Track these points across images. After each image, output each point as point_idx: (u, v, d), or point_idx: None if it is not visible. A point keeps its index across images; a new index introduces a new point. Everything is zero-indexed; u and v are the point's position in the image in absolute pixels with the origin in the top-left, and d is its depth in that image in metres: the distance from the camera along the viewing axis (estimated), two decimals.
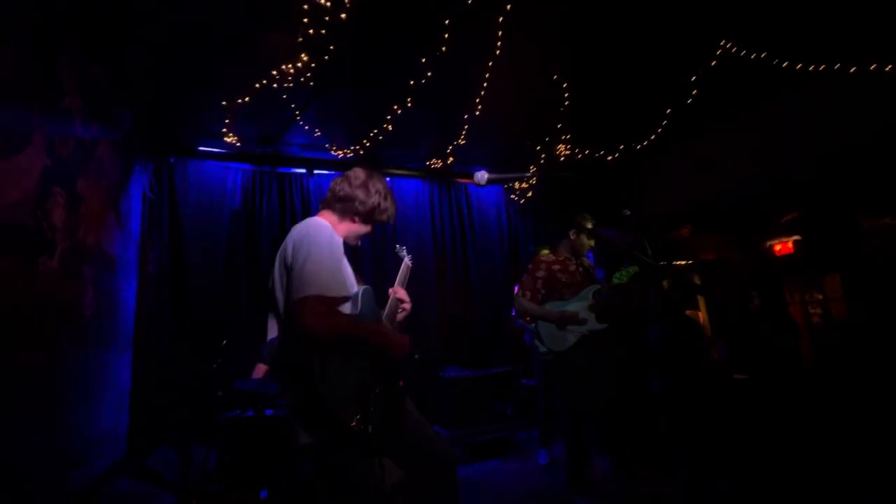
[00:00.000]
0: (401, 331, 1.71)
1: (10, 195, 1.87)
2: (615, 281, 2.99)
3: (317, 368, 1.33)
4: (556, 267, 2.92)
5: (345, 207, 1.68)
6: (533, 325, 2.96)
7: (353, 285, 1.60)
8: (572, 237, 2.98)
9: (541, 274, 2.91)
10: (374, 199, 1.69)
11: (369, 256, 4.52)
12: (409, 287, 1.92)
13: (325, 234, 1.49)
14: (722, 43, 3.17)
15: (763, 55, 3.19)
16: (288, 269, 1.46)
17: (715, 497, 2.74)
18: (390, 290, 1.82)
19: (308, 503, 2.34)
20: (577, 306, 2.83)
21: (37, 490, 1.97)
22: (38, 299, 2.08)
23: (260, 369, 3.48)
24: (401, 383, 1.60)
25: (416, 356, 4.13)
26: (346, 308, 1.50)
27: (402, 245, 2.15)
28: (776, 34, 3.06)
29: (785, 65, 3.21)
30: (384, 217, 1.74)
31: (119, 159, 3.17)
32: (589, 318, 2.76)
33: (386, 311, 1.75)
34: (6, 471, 1.76)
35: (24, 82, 1.98)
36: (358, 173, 1.73)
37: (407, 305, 1.77)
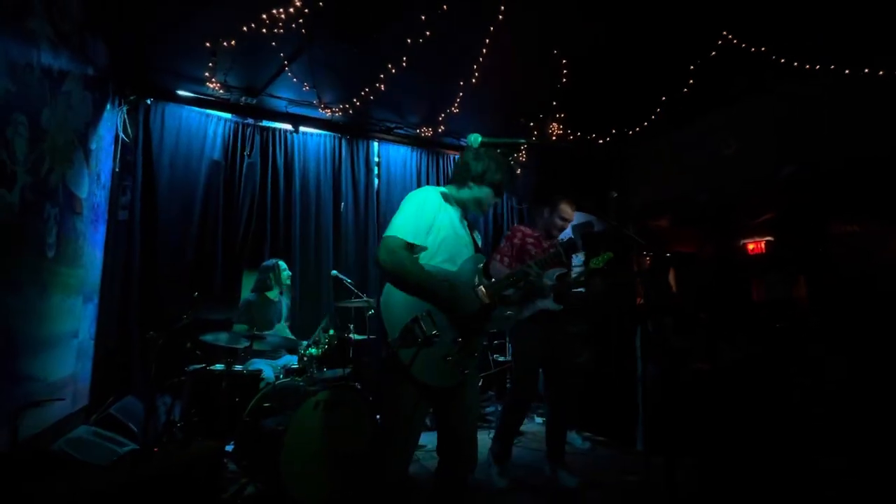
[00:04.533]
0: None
1: None
2: (591, 265, 3.00)
3: (384, 294, 1.62)
4: (530, 240, 2.96)
5: (459, 174, 1.82)
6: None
7: (461, 248, 1.75)
8: (546, 216, 3.01)
9: (516, 241, 2.97)
10: (483, 165, 1.77)
11: None
12: None
13: (420, 193, 1.73)
14: (724, 33, 3.14)
15: (762, 49, 3.18)
16: None
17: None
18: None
19: (273, 457, 2.34)
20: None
21: None
22: None
23: None
24: (472, 350, 1.69)
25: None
26: (444, 263, 1.69)
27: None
28: (777, 29, 3.05)
29: (783, 61, 3.21)
30: (495, 182, 1.79)
31: (90, 95, 2.97)
32: (548, 297, 2.89)
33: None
34: None
35: None
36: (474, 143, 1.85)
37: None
